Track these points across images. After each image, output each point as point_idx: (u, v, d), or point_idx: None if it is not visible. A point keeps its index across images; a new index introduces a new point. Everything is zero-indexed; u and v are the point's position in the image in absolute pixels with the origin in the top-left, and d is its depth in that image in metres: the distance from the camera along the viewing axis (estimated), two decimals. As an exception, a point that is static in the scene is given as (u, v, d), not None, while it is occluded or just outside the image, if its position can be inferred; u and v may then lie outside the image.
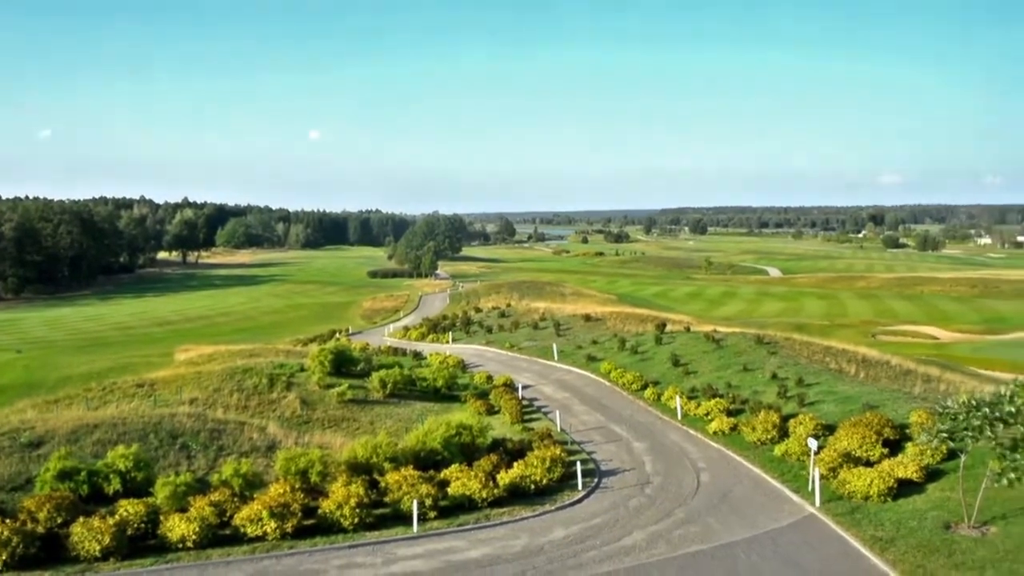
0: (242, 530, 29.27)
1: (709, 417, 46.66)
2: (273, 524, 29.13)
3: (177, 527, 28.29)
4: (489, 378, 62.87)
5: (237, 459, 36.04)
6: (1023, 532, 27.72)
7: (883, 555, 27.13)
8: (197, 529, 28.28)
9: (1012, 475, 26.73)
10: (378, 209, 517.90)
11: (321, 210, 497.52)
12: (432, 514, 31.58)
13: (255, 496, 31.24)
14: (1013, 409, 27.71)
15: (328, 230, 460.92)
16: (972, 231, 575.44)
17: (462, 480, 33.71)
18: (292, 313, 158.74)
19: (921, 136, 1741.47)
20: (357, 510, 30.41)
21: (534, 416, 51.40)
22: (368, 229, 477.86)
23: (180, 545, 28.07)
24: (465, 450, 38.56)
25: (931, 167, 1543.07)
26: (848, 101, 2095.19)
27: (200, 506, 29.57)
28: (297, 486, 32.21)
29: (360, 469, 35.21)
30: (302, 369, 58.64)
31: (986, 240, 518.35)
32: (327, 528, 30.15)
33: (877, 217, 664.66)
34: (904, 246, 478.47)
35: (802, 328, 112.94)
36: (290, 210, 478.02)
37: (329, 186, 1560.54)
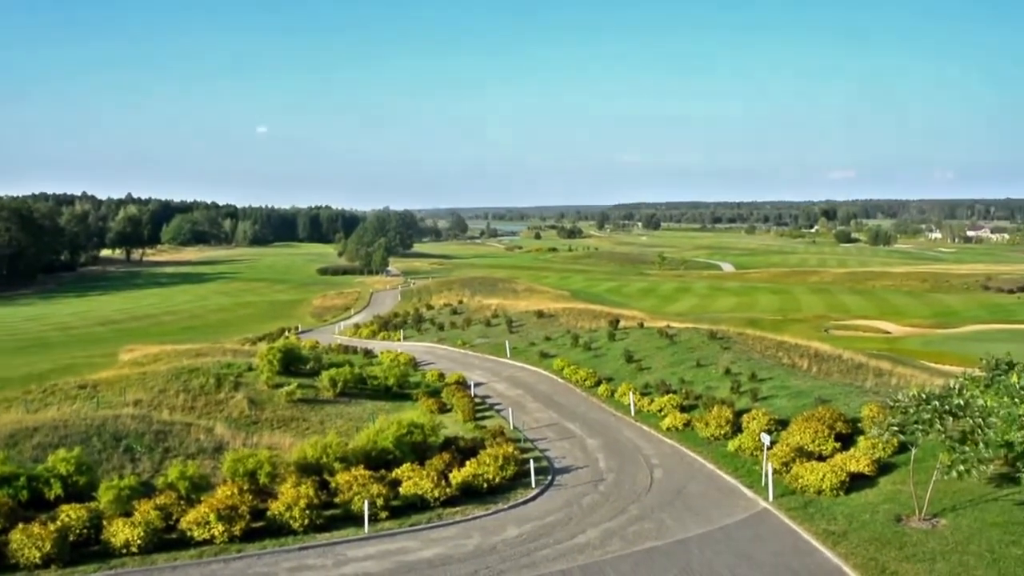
0: (189, 534, 28.61)
1: (663, 413, 46.72)
2: (221, 527, 28.53)
3: (121, 532, 27.56)
4: (441, 376, 62.49)
5: (183, 461, 35.23)
6: (972, 524, 28.07)
7: (835, 549, 27.30)
8: (142, 534, 27.56)
9: (961, 467, 27.04)
10: (328, 205, 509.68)
11: (269, 206, 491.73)
12: (384, 514, 31.19)
13: (202, 499, 30.51)
14: (962, 402, 28.14)
15: (277, 227, 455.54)
16: (923, 226, 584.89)
17: (414, 479, 33.35)
18: (240, 311, 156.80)
19: (872, 130, 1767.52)
20: (307, 511, 29.90)
21: (487, 414, 51.17)
22: (318, 225, 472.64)
23: (124, 550, 27.35)
24: (417, 449, 38.11)
25: (882, 161, 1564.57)
26: (798, 93, 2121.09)
27: (145, 510, 28.81)
28: (245, 488, 31.54)
29: (310, 470, 34.65)
30: (250, 368, 57.77)
31: (936, 235, 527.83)
32: (276, 530, 29.61)
33: (829, 212, 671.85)
34: (856, 241, 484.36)
35: (755, 323, 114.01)
36: (238, 206, 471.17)
37: (278, 182, 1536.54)
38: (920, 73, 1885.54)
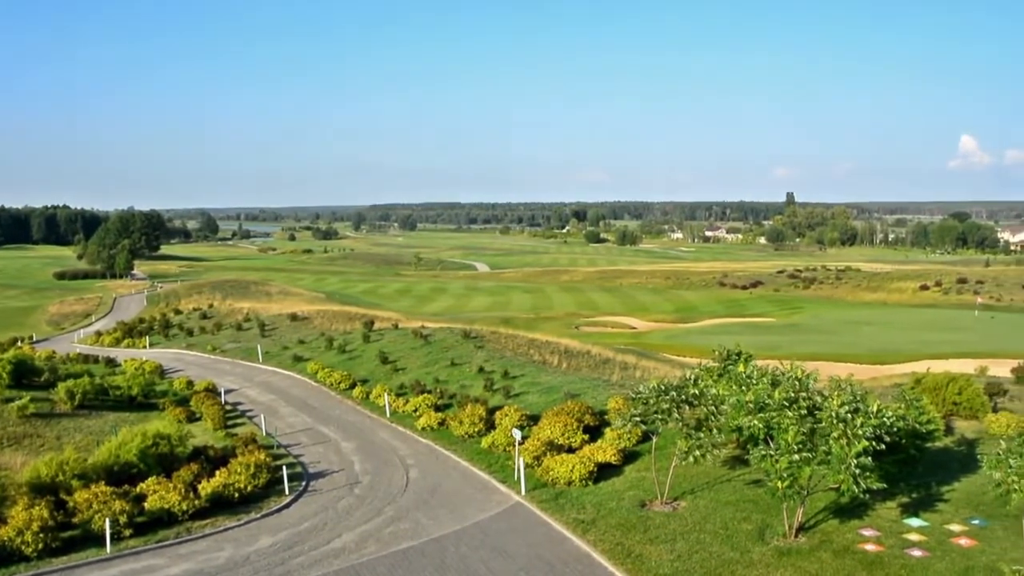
0: (-98, 569, 26.25)
1: (417, 413, 47.18)
2: (-60, 559, 26.35)
3: None
4: (190, 383, 60.29)
5: None
6: (708, 504, 30.41)
7: (585, 536, 28.53)
8: None
9: (697, 452, 29.30)
10: (66, 204, 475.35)
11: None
12: (128, 532, 29.72)
13: (-82, 529, 28.05)
14: (697, 392, 30.36)
15: (7, 227, 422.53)
16: (666, 226, 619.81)
17: (160, 493, 31.99)
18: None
19: (622, 134, 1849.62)
20: (41, 535, 27.96)
21: (238, 421, 49.94)
22: (55, 226, 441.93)
23: None
24: (164, 461, 36.54)
25: (631, 164, 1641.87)
26: (552, 99, 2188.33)
27: None
28: (-31, 514, 29.29)
29: (45, 489, 32.47)
30: (-25, 383, 53.44)
31: (678, 235, 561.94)
32: (7, 558, 27.50)
33: (580, 213, 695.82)
34: (605, 241, 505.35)
35: (509, 322, 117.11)
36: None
37: (8, 179, 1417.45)
38: (657, 83, 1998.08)
